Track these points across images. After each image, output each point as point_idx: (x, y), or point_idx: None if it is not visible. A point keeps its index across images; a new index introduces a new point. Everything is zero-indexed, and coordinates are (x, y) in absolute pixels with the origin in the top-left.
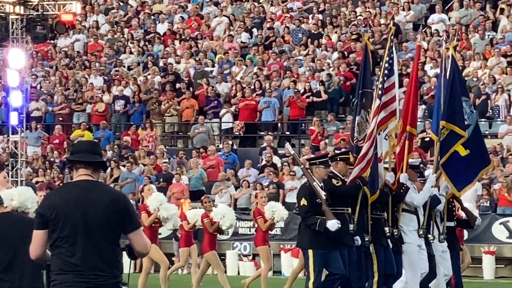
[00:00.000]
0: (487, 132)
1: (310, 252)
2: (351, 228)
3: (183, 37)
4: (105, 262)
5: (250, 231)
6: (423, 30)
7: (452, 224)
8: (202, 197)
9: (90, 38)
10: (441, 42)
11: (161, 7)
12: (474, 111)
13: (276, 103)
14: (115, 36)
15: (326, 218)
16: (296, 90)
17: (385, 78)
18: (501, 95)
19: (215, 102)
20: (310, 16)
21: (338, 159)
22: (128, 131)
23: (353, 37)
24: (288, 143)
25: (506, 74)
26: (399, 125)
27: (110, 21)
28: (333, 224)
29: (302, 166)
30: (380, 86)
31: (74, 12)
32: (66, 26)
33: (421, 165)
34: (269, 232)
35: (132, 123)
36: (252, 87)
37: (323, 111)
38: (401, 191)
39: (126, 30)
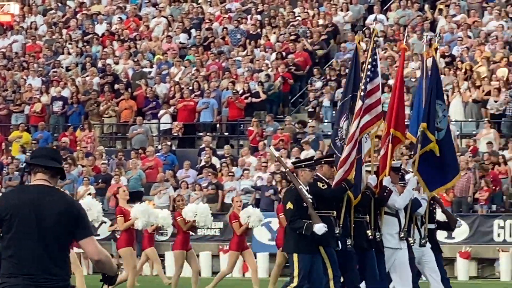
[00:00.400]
0: None
1: (296, 256)
2: (337, 232)
3: (121, 38)
4: (56, 266)
5: None
6: (361, 31)
7: (432, 226)
8: (175, 196)
9: (28, 39)
10: (379, 42)
11: (99, 8)
12: (447, 115)
13: (214, 103)
14: (53, 37)
15: (313, 222)
16: (234, 91)
17: (368, 80)
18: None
19: (154, 103)
20: (249, 16)
21: (323, 162)
22: (66, 132)
23: (292, 37)
24: (272, 146)
25: (444, 74)
26: (383, 127)
27: (48, 22)
28: (320, 228)
29: (287, 169)
30: (362, 87)
31: (12, 13)
32: (4, 27)
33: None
34: (207, 234)
35: (70, 124)
36: (191, 87)
37: (262, 111)
38: (384, 194)
39: (64, 31)
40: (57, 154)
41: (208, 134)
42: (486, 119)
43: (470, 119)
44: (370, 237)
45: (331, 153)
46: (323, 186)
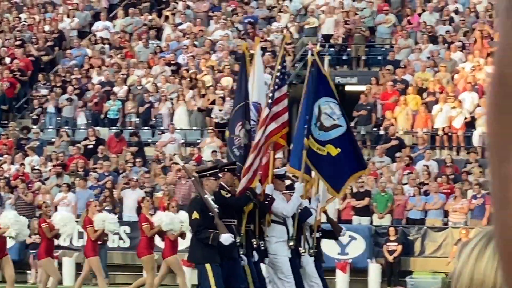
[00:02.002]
0: (149, 140)
1: (208, 266)
2: (238, 240)
3: None
4: None
5: None
6: (87, 38)
7: (317, 234)
8: (42, 202)
9: None
10: (105, 49)
11: None
12: (344, 114)
13: None
14: None
15: (219, 231)
16: None
17: (276, 87)
18: (164, 104)
19: None
20: None
21: (226, 170)
22: None
23: (17, 43)
24: (177, 155)
25: (170, 82)
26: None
27: None
28: (226, 238)
29: (193, 178)
30: (270, 95)
31: None
32: None
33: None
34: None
35: None
36: None
37: None
38: (266, 202)
39: None
40: None
41: None
42: (211, 127)
43: (194, 128)
44: (255, 245)
45: (234, 161)
46: (226, 194)
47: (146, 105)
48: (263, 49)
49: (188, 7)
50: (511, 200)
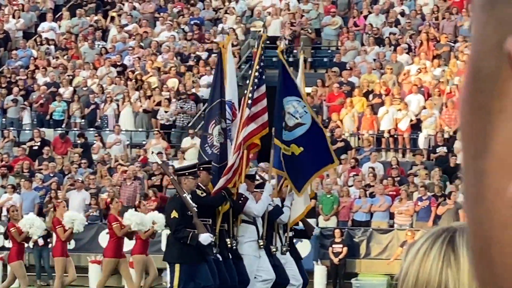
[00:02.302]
0: (95, 142)
1: (177, 266)
2: (213, 240)
3: None
4: None
5: None
6: (33, 39)
7: (290, 234)
8: (9, 206)
9: None
10: (50, 50)
11: None
12: (307, 112)
13: None
14: None
15: (198, 231)
16: None
17: (255, 87)
18: (110, 105)
19: None
20: None
21: (202, 168)
22: None
23: None
24: (155, 153)
25: (115, 84)
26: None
27: None
28: (205, 238)
29: (172, 177)
30: (250, 95)
31: None
32: None
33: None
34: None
35: None
36: None
37: None
38: (240, 201)
39: None
40: None
41: None
42: (156, 129)
43: (140, 129)
44: (229, 245)
45: (209, 160)
46: (201, 193)
47: (92, 107)
48: (209, 51)
49: (134, 8)
50: (486, 196)
